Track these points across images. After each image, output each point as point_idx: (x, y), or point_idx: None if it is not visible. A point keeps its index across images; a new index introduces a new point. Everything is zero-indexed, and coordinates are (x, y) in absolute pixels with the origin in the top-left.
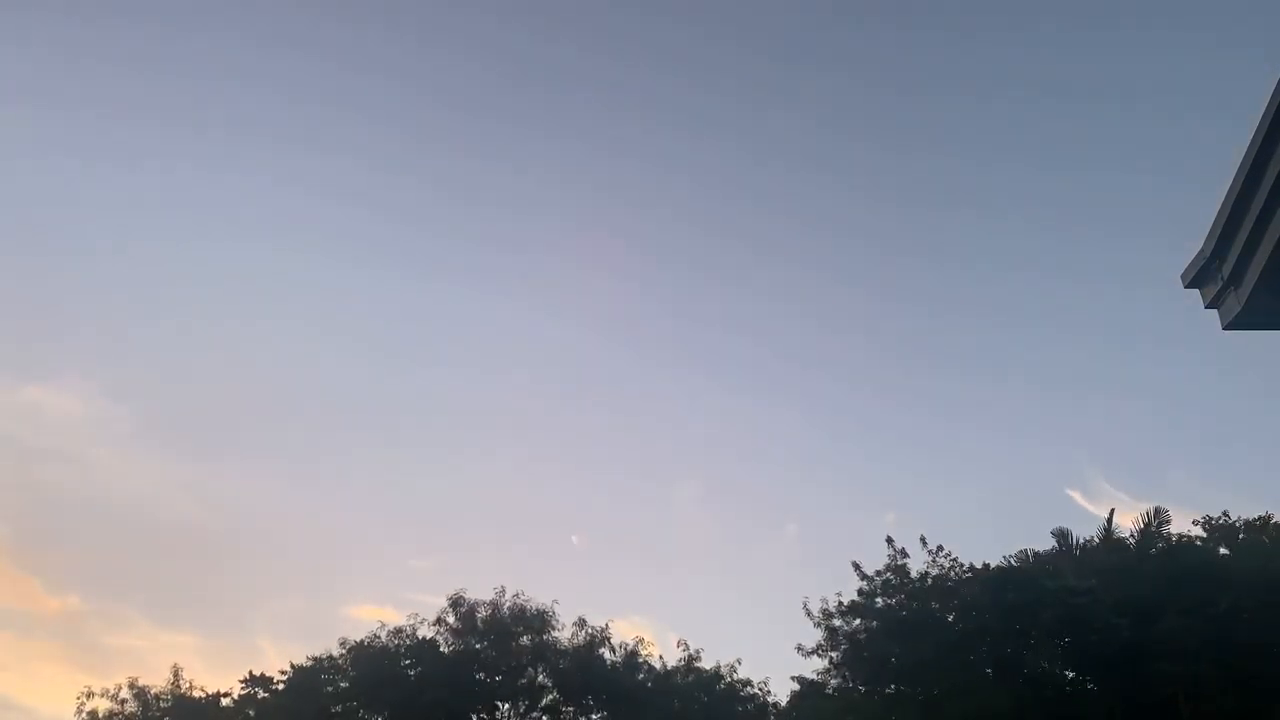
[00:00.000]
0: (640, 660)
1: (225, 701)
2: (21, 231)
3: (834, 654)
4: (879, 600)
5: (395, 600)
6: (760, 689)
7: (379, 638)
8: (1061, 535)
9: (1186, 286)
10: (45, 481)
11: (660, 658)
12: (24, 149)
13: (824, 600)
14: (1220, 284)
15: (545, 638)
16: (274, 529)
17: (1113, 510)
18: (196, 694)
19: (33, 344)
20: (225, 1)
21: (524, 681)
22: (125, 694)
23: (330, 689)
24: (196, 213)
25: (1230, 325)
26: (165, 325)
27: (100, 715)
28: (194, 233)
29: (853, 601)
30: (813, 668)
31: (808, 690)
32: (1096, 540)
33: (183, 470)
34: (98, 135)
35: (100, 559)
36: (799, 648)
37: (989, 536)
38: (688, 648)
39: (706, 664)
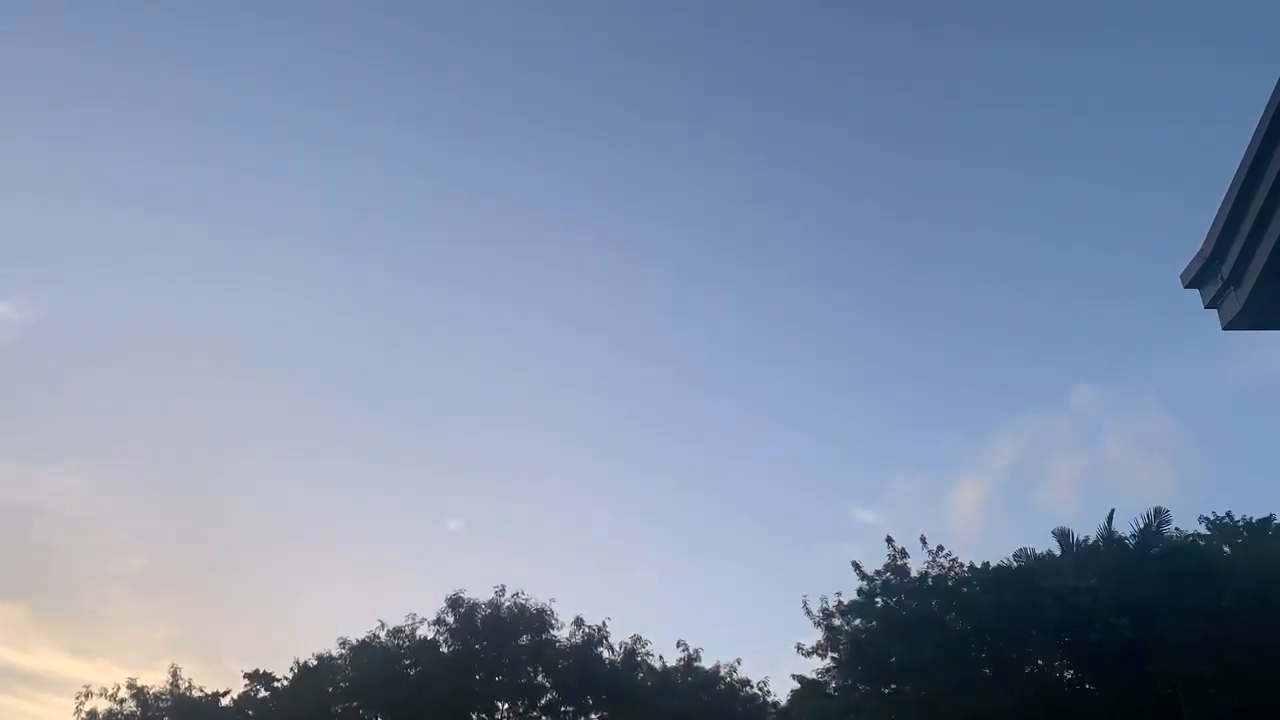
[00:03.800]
0: (639, 659)
1: (225, 701)
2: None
3: (834, 653)
4: (879, 600)
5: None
6: (760, 689)
7: (379, 637)
8: (1062, 535)
9: (1186, 286)
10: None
11: (660, 657)
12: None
13: (824, 600)
14: (1220, 284)
15: (544, 637)
16: (255, 565)
17: (1113, 510)
18: (196, 693)
19: (35, 432)
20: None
21: (523, 681)
22: (124, 693)
23: (331, 689)
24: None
25: (1230, 325)
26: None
27: (100, 714)
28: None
29: (853, 601)
30: (813, 667)
31: (808, 689)
32: (1097, 540)
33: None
34: None
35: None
36: (799, 647)
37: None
38: (687, 648)
39: (706, 664)
